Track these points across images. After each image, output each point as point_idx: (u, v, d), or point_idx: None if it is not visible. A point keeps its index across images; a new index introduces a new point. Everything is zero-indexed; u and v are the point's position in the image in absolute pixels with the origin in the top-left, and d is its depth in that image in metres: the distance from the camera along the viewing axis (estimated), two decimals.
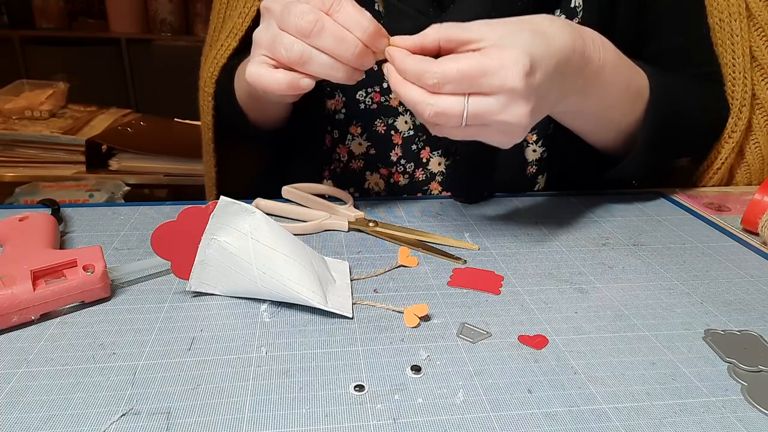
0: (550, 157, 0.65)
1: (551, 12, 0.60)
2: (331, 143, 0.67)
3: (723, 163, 0.64)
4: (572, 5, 0.59)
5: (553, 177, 0.66)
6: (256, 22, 0.62)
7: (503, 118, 0.41)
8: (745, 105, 0.62)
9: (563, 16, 0.60)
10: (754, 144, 0.65)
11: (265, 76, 0.45)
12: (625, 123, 0.56)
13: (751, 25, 0.61)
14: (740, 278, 0.46)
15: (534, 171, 0.66)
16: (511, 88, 0.39)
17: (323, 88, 0.64)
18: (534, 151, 0.64)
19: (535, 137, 0.64)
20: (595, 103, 0.51)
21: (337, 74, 0.44)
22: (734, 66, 0.62)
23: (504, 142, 0.44)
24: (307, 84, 0.45)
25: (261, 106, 0.60)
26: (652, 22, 0.63)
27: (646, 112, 0.55)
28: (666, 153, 0.61)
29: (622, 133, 0.57)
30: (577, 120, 0.56)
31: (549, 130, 0.64)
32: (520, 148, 0.64)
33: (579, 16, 0.59)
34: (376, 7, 0.59)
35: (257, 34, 0.47)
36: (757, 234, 0.53)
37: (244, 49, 0.63)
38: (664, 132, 0.56)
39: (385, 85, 0.62)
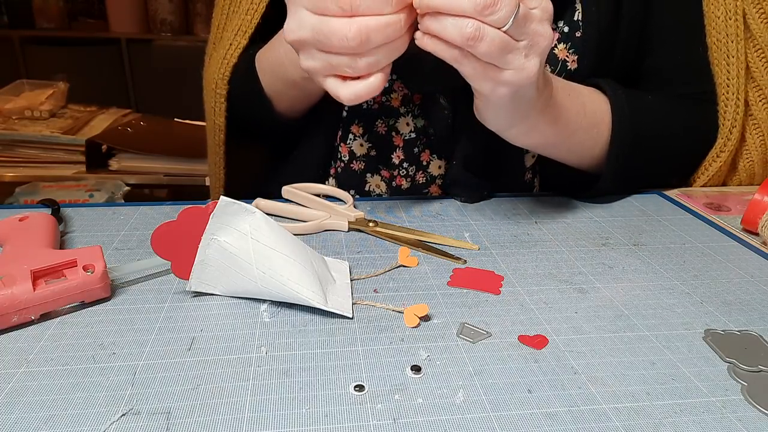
0: (541, 158, 0.65)
1: (555, 22, 0.60)
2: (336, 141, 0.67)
3: (709, 179, 0.65)
4: (575, 18, 0.59)
5: (545, 179, 0.67)
6: (265, 18, 0.62)
7: (539, 29, 0.43)
8: (735, 126, 0.63)
9: (566, 28, 0.60)
10: (747, 161, 0.65)
11: (363, 93, 0.45)
12: (597, 148, 0.57)
13: (750, 45, 0.61)
14: (740, 278, 0.46)
15: (531, 176, 0.66)
16: (546, 6, 0.43)
17: None
18: (533, 156, 0.65)
19: None
20: (554, 124, 0.52)
21: (395, 32, 0.43)
22: (728, 87, 0.62)
23: (522, 72, 0.43)
24: (388, 74, 0.46)
25: (302, 92, 0.61)
26: (650, 38, 0.63)
27: (610, 137, 0.56)
28: (637, 178, 0.62)
29: (596, 159, 0.58)
30: (550, 148, 0.57)
31: None
32: (520, 154, 0.64)
33: (580, 30, 0.59)
34: None
35: (294, 33, 0.45)
36: (757, 234, 0.53)
37: (252, 45, 0.63)
38: (632, 158, 0.57)
39: (386, 84, 0.62)
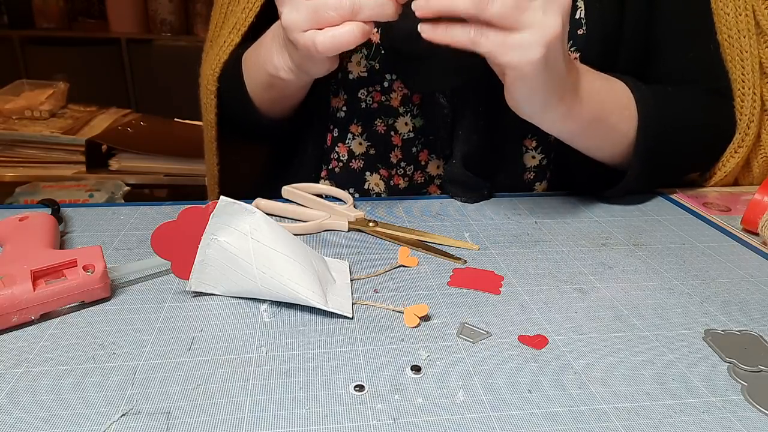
0: (551, 165, 0.65)
1: None
2: (331, 142, 0.67)
3: (726, 175, 0.65)
4: (576, 16, 0.59)
5: (554, 186, 0.66)
6: (260, 17, 0.62)
7: None
8: (753, 120, 0.62)
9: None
10: (762, 158, 0.65)
11: (339, 36, 0.45)
12: (631, 132, 0.56)
13: (762, 41, 0.61)
14: (740, 278, 0.46)
15: (532, 177, 0.65)
16: None
17: (329, 85, 0.64)
18: (533, 157, 0.64)
19: (534, 143, 0.63)
20: (589, 107, 0.51)
21: (387, 11, 0.45)
22: (744, 81, 0.62)
23: (544, 29, 0.43)
24: (371, 29, 0.46)
25: (279, 94, 0.60)
26: (660, 40, 0.63)
27: (636, 129, 0.55)
28: (663, 170, 0.61)
29: (629, 147, 0.57)
30: (587, 135, 0.55)
31: (549, 137, 0.63)
32: (519, 153, 0.64)
33: (583, 28, 0.59)
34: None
35: (288, 18, 0.47)
36: (757, 234, 0.53)
37: (244, 44, 0.63)
38: (659, 147, 0.56)
39: (385, 84, 0.62)
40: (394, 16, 0.46)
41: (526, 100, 0.48)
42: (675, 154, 0.60)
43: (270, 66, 0.56)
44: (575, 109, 0.50)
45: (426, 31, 0.45)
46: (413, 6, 0.45)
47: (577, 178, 0.64)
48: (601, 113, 0.53)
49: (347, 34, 0.45)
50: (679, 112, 0.59)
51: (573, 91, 0.50)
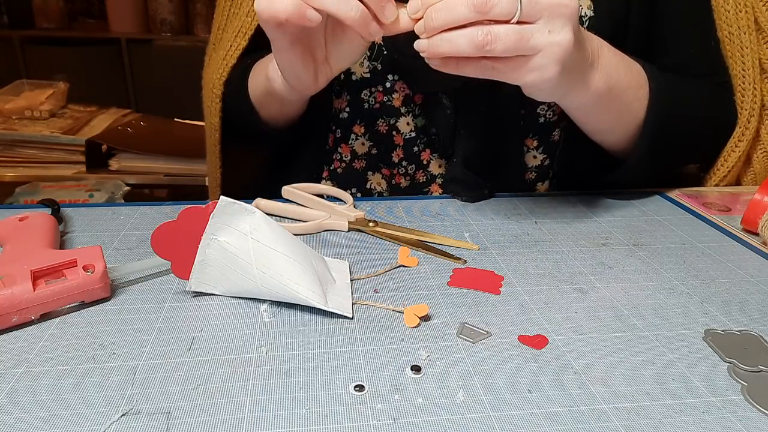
0: (552, 166, 0.65)
1: None
2: (333, 143, 0.67)
3: (729, 171, 0.65)
4: (579, 14, 0.59)
5: (555, 186, 0.66)
6: None
7: (556, 2, 0.41)
8: (753, 115, 0.63)
9: None
10: (762, 153, 0.65)
11: (276, 2, 0.43)
12: (642, 112, 0.56)
13: (761, 38, 0.62)
14: (740, 278, 0.46)
15: (533, 177, 0.65)
16: None
17: (332, 86, 0.64)
18: (534, 157, 0.64)
19: (536, 143, 0.64)
20: (606, 81, 0.51)
21: (350, 12, 0.42)
22: (744, 77, 0.62)
23: (554, 47, 0.42)
24: (312, 15, 0.43)
25: (278, 104, 0.61)
26: (662, 36, 0.63)
27: (647, 110, 0.55)
28: (667, 155, 0.61)
29: (635, 125, 0.57)
30: (596, 110, 0.55)
31: (552, 137, 0.63)
32: (521, 152, 0.64)
33: (585, 26, 0.59)
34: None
35: None
36: (757, 234, 0.53)
37: (253, 49, 0.63)
38: (666, 131, 0.56)
39: (387, 84, 0.62)
40: (359, 23, 0.43)
41: (545, 97, 0.49)
42: (678, 139, 0.60)
43: (269, 69, 0.56)
44: (590, 82, 0.50)
45: (436, 66, 0.45)
46: (416, 46, 0.44)
47: (579, 167, 0.64)
48: (617, 87, 0.52)
49: (281, 3, 0.43)
50: (686, 99, 0.60)
51: (592, 64, 0.49)
